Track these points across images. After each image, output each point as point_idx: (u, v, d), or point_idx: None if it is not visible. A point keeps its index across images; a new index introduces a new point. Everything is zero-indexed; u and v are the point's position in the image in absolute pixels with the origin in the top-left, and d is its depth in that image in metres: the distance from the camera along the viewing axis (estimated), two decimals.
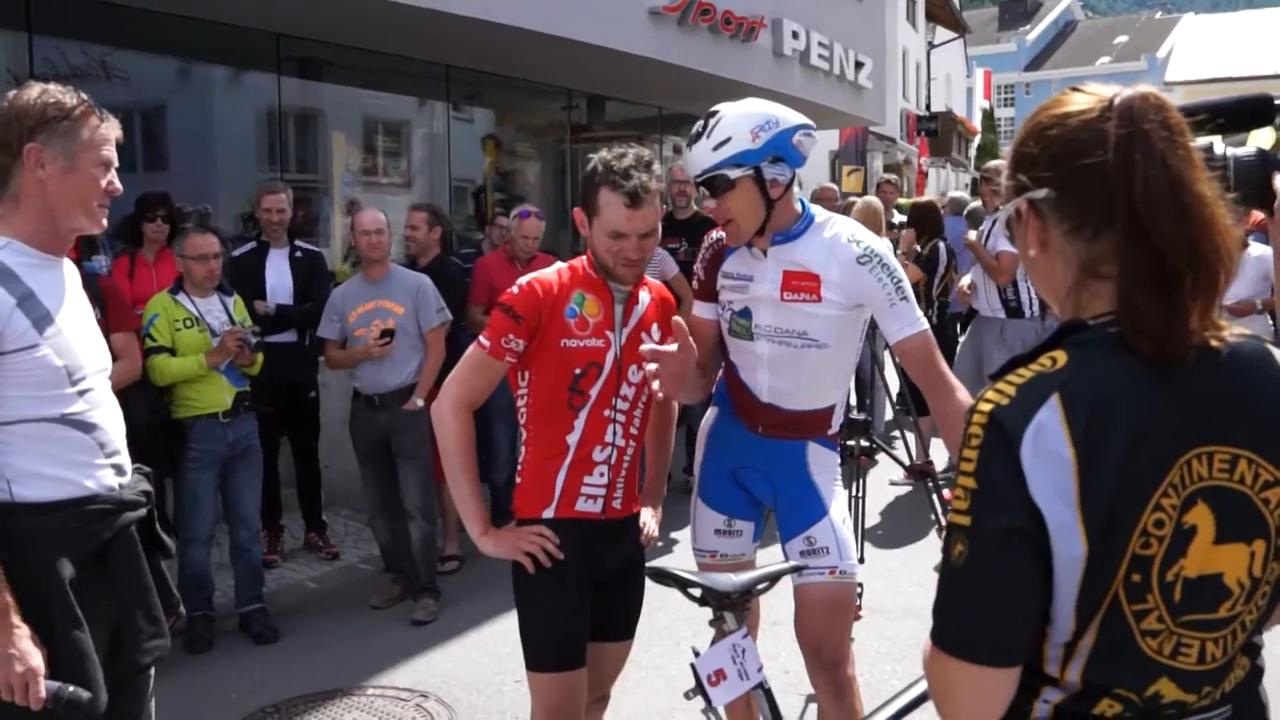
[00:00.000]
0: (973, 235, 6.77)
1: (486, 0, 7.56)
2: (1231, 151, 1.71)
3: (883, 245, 2.80)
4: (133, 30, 7.15)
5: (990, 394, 1.28)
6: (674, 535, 6.24)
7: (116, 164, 2.36)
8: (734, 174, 2.65)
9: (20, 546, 2.16)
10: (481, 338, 2.63)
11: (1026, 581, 1.24)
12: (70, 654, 2.20)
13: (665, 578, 2.53)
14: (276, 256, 5.88)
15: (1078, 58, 57.48)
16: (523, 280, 2.64)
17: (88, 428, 2.31)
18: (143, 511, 2.42)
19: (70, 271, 2.43)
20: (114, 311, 4.53)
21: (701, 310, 2.98)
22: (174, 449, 4.76)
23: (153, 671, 2.49)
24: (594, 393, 2.62)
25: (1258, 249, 5.96)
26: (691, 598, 2.53)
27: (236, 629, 4.92)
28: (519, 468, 2.74)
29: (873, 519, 6.42)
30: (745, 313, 2.84)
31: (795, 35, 11.62)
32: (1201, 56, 52.20)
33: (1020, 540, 1.23)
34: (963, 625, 1.27)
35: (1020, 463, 1.23)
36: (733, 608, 2.48)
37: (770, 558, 2.95)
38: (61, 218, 2.29)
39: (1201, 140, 1.64)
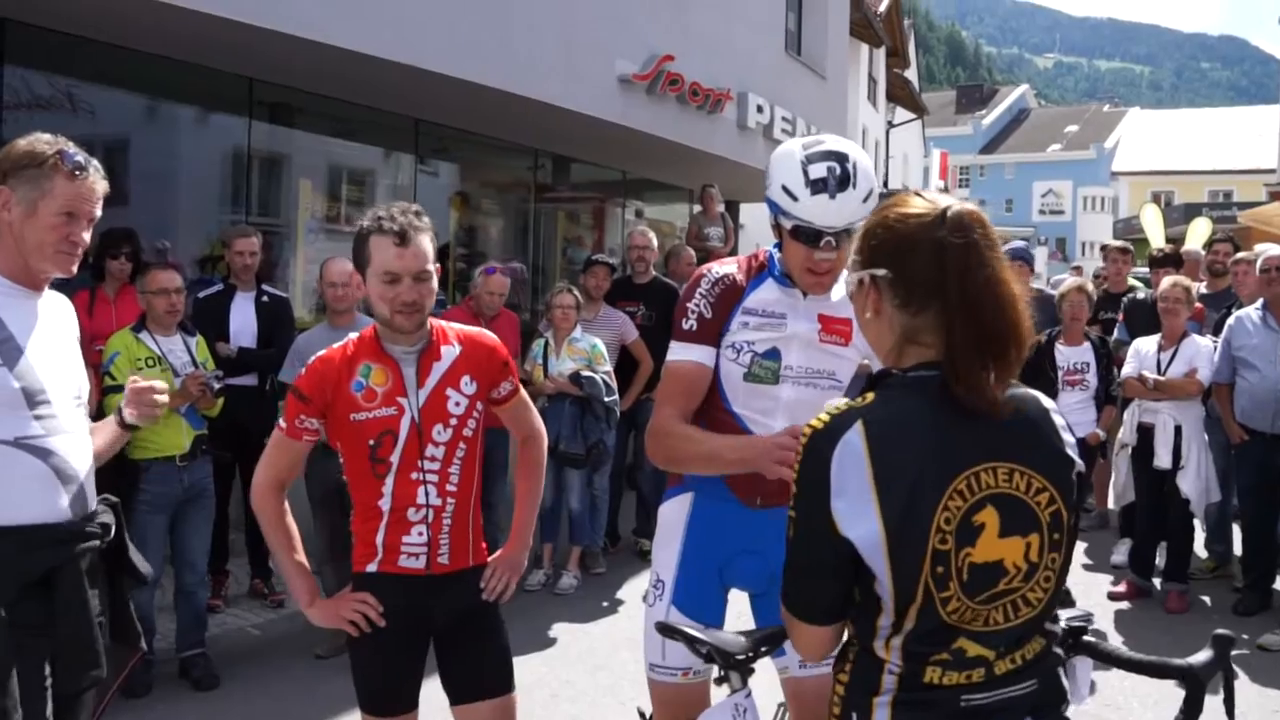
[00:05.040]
0: None
1: (458, 58, 7.70)
2: None
3: None
4: (104, 65, 7.18)
5: (814, 420, 1.68)
6: (620, 596, 6.26)
7: (95, 217, 2.45)
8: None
9: None
10: (280, 419, 2.70)
11: (831, 565, 1.64)
12: None
13: (673, 633, 2.51)
14: (242, 300, 5.89)
15: (1030, 143, 59.06)
16: (311, 359, 2.70)
17: (44, 453, 2.34)
18: (96, 542, 2.45)
19: (51, 304, 2.51)
20: None
21: (696, 354, 2.62)
22: (123, 488, 4.70)
23: (88, 700, 2.49)
24: (395, 459, 2.63)
25: (1197, 339, 6.19)
26: (698, 654, 2.50)
27: (176, 674, 4.84)
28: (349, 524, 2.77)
29: None
30: (773, 354, 2.62)
31: (760, 109, 11.91)
32: (1146, 149, 53.81)
33: (825, 535, 1.62)
34: (793, 592, 1.72)
35: (829, 473, 1.61)
36: (738, 667, 2.46)
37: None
38: (26, 257, 2.40)
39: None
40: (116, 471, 4.69)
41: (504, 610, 2.86)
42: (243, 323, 5.84)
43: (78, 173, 2.38)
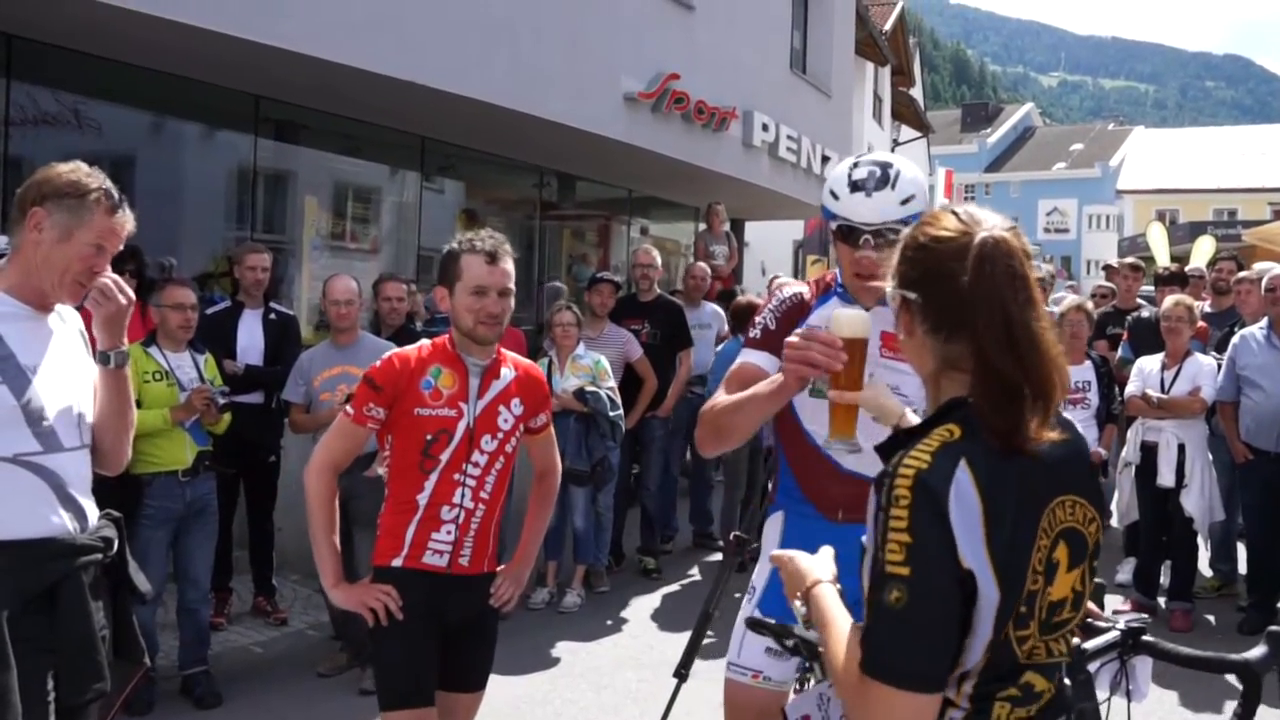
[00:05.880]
0: None
1: (464, 76, 7.74)
2: None
3: None
4: (110, 81, 7.22)
5: (909, 460, 1.50)
6: (624, 615, 6.25)
7: (118, 252, 2.54)
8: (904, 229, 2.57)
9: None
10: (348, 406, 2.89)
11: (954, 622, 1.49)
12: None
13: (761, 627, 2.52)
14: (250, 317, 5.88)
15: (1035, 162, 59.10)
16: (386, 354, 2.92)
17: (42, 470, 2.38)
18: (98, 556, 2.49)
19: (63, 325, 2.56)
20: None
21: (756, 358, 2.72)
22: (127, 503, 4.70)
23: (92, 713, 2.51)
24: (444, 458, 2.85)
25: (1200, 358, 6.18)
26: (785, 648, 2.53)
27: (178, 691, 4.83)
28: (378, 519, 2.94)
29: None
30: None
31: (765, 127, 11.95)
32: (1151, 168, 53.82)
33: (953, 588, 1.47)
34: (902, 659, 1.47)
35: (949, 519, 1.47)
36: (822, 658, 2.49)
37: None
38: (41, 281, 2.45)
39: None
40: (119, 486, 4.71)
41: (507, 628, 2.96)
42: (250, 340, 5.82)
43: (115, 211, 2.48)
